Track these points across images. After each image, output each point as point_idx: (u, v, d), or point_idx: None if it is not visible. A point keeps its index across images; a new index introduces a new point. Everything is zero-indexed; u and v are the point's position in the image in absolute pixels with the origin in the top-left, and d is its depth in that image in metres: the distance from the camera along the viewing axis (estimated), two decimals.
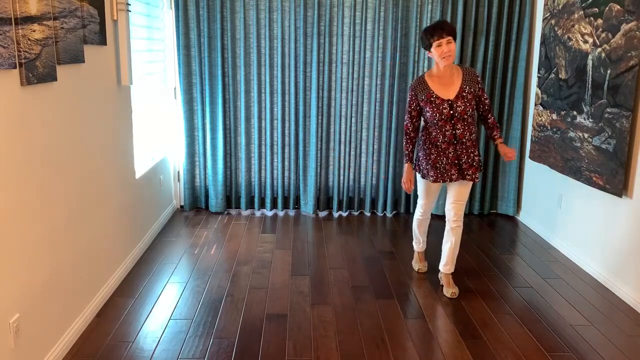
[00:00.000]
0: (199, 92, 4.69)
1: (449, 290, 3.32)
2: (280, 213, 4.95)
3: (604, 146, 3.47)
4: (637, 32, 3.16)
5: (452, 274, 3.41)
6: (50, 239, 2.52)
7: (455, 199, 3.23)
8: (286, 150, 4.87)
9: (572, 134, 3.85)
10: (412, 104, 3.17)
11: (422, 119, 3.26)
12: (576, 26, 3.81)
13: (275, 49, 4.67)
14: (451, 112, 3.04)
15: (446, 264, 3.36)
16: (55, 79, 2.47)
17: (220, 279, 3.51)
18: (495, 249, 4.13)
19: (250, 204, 4.99)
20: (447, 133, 3.08)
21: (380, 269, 3.70)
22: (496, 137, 3.20)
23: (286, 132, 4.83)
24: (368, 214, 4.96)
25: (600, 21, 3.52)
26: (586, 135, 3.66)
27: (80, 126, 2.87)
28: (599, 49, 3.52)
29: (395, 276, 3.61)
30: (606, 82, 3.43)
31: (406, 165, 3.27)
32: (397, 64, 4.65)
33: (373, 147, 4.84)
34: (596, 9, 3.56)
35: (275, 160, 4.91)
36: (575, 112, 3.80)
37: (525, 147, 4.74)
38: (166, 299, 3.23)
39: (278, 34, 4.61)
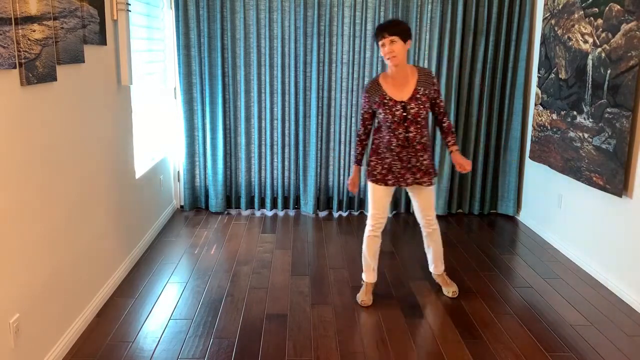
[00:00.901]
0: (199, 92, 4.69)
1: (449, 290, 3.31)
2: (280, 213, 4.95)
3: (604, 146, 3.47)
4: (637, 32, 3.16)
5: (446, 272, 3.40)
6: (50, 239, 2.52)
7: (422, 206, 3.16)
8: (286, 150, 4.87)
9: (572, 134, 3.85)
10: (365, 106, 3.06)
11: (377, 121, 3.15)
12: (576, 26, 3.81)
13: (275, 49, 4.67)
14: (404, 114, 2.93)
15: (435, 266, 3.34)
16: (55, 79, 2.47)
17: (220, 279, 3.51)
18: (495, 249, 4.13)
19: (250, 204, 4.99)
20: (400, 136, 2.98)
21: (381, 269, 3.70)
22: (450, 143, 3.08)
23: (286, 132, 4.82)
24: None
25: (600, 21, 3.52)
26: (586, 135, 3.66)
27: (80, 126, 2.87)
28: (599, 49, 3.52)
29: (395, 276, 3.61)
30: (606, 82, 3.43)
31: (354, 167, 3.20)
32: None
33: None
34: (596, 9, 3.56)
35: (275, 160, 4.91)
36: (575, 112, 3.80)
37: (525, 147, 4.74)
38: (166, 299, 3.23)
39: (278, 34, 4.61)
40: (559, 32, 4.04)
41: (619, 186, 3.33)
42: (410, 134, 2.97)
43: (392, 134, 2.99)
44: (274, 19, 4.61)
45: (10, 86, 2.16)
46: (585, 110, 3.68)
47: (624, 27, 3.27)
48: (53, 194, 2.55)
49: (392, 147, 3.01)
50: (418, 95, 2.93)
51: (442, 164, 4.80)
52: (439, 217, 4.86)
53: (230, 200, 4.96)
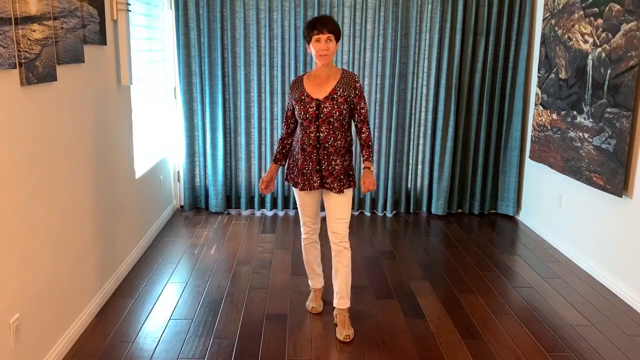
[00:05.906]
0: (199, 92, 4.69)
1: (343, 333, 2.84)
2: (280, 213, 4.95)
3: (604, 146, 3.47)
4: (637, 32, 3.16)
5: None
6: (50, 238, 2.52)
7: (333, 216, 2.87)
8: None
9: (572, 134, 3.85)
10: (289, 104, 2.97)
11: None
12: (576, 26, 3.81)
13: (275, 49, 4.67)
14: (317, 112, 2.80)
15: (340, 297, 2.90)
16: (55, 79, 2.47)
17: (220, 279, 3.51)
18: (495, 249, 4.13)
19: (250, 204, 4.99)
20: (311, 135, 2.83)
21: (380, 269, 3.70)
22: (364, 157, 2.89)
23: None
24: (368, 214, 4.96)
25: (600, 21, 3.52)
26: (586, 135, 3.66)
27: (80, 126, 2.87)
28: (599, 49, 3.52)
29: (395, 276, 3.60)
30: (606, 82, 3.43)
31: (270, 165, 3.06)
32: (397, 64, 4.65)
33: (373, 147, 4.83)
34: (596, 9, 3.56)
35: None
36: (575, 112, 3.80)
37: (525, 147, 4.74)
38: (166, 299, 3.23)
39: (278, 34, 4.61)
40: (559, 32, 4.04)
41: (619, 186, 3.33)
42: (322, 134, 2.82)
43: (304, 132, 2.86)
44: (274, 19, 4.61)
45: (10, 86, 2.16)
46: (585, 110, 3.68)
47: (624, 27, 3.27)
48: (53, 193, 2.55)
49: (304, 147, 2.87)
50: (335, 95, 2.80)
51: (442, 165, 4.80)
52: (439, 217, 4.87)
53: (230, 200, 4.96)
